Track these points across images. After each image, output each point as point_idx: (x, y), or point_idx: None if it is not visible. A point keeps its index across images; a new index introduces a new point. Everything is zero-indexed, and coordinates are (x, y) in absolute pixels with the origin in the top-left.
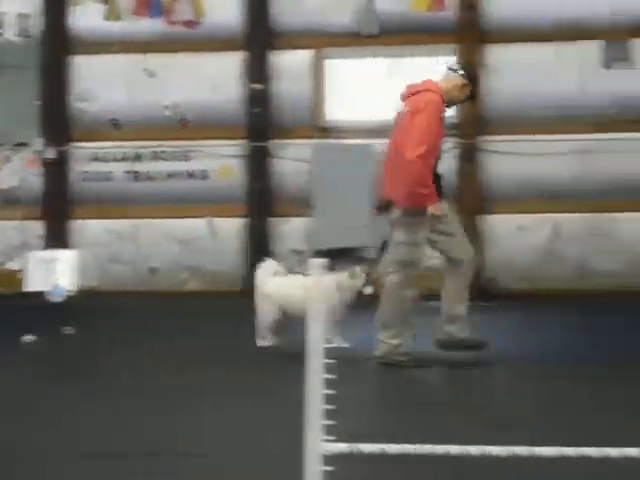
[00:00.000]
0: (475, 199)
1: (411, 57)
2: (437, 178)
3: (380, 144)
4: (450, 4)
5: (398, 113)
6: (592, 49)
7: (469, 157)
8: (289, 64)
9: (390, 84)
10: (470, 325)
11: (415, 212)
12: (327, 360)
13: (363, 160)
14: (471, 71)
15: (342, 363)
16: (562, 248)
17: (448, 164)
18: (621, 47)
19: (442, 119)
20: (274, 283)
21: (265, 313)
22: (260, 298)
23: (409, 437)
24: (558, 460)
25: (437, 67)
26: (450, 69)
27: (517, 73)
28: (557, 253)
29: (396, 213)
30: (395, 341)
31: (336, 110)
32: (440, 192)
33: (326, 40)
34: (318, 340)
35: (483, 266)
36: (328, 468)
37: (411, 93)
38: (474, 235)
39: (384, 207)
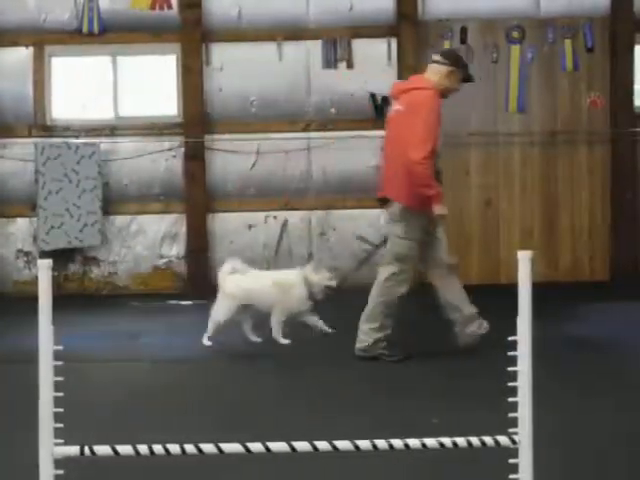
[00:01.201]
0: (202, 198)
1: (134, 56)
2: (437, 175)
3: (105, 142)
4: (173, 2)
5: (392, 111)
6: (314, 49)
7: (195, 156)
8: (10, 61)
9: (114, 83)
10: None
11: (416, 211)
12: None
13: (88, 159)
14: (452, 55)
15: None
16: (290, 244)
17: (174, 163)
18: (342, 47)
19: (440, 114)
20: (236, 281)
21: (222, 310)
22: (221, 297)
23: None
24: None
25: (161, 65)
26: (432, 62)
27: (241, 72)
28: (285, 250)
29: (395, 208)
30: (378, 334)
31: (61, 108)
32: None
33: (48, 37)
34: (48, 342)
35: (214, 265)
36: (59, 472)
37: (403, 91)
38: (204, 234)
39: (383, 203)
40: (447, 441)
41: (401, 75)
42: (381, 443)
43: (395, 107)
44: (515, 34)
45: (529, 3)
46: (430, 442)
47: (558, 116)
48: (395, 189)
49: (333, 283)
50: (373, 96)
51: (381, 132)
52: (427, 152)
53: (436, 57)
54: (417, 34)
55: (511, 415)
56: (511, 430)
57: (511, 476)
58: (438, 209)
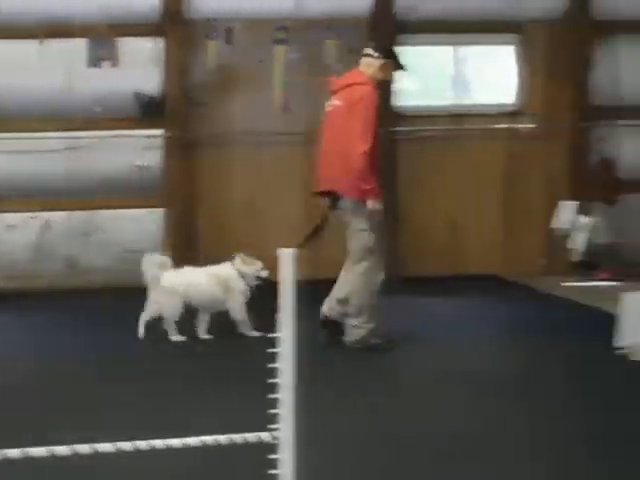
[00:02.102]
0: None
1: None
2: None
3: None
4: None
5: (330, 106)
6: (78, 47)
7: None
8: None
9: None
10: None
11: (364, 202)
12: None
13: None
14: (382, 47)
15: None
16: (52, 245)
17: None
18: (107, 46)
19: (377, 108)
20: (172, 276)
21: (171, 308)
22: (161, 293)
23: None
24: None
25: None
26: (365, 55)
27: (2, 70)
28: (47, 250)
29: (347, 203)
30: (371, 325)
31: None
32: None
33: None
34: None
35: None
36: None
37: (341, 87)
38: None
39: (330, 198)
40: (209, 439)
41: (168, 74)
42: (142, 444)
43: (333, 102)
44: (280, 34)
45: (294, 4)
46: (193, 441)
47: (320, 116)
48: (343, 184)
49: (265, 273)
50: (138, 95)
51: (146, 131)
52: (367, 147)
53: (368, 51)
54: (184, 33)
55: (272, 412)
56: (272, 426)
57: (271, 471)
58: (371, 204)
